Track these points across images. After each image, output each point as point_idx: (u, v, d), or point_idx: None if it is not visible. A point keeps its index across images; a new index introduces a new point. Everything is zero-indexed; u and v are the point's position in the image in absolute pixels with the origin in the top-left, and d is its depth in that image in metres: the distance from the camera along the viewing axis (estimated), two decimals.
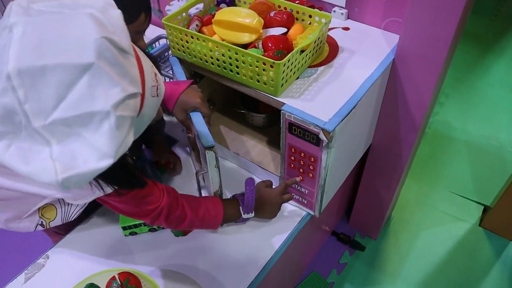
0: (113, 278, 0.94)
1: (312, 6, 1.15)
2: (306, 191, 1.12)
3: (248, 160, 1.25)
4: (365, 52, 1.15)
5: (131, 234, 1.14)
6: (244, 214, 1.09)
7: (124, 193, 0.81)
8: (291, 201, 1.19)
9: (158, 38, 1.68)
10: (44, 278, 1.07)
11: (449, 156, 2.20)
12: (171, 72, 1.48)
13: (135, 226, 1.12)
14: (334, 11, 1.28)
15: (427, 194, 2.03)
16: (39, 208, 0.98)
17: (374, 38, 1.21)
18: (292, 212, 1.19)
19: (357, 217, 1.85)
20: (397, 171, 1.48)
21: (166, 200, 0.93)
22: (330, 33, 1.22)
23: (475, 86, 2.60)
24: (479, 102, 2.50)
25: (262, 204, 1.11)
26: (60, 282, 1.05)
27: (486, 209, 1.95)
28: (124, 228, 1.12)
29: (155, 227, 1.14)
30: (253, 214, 1.10)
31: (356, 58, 1.13)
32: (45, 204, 0.97)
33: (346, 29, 1.25)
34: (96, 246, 1.13)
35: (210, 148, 0.98)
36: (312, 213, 1.16)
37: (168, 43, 1.67)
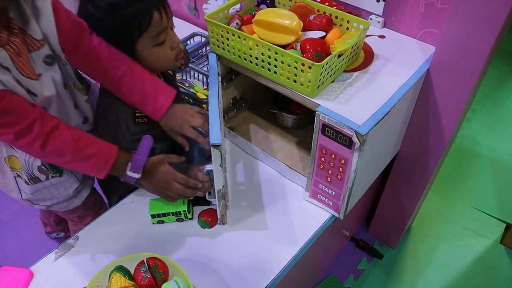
0: (142, 262, 0.97)
1: (349, 13, 1.16)
2: (333, 192, 1.13)
3: (276, 159, 1.27)
4: (400, 61, 1.16)
5: (158, 222, 1.18)
6: (129, 170, 1.01)
7: None
8: (316, 202, 1.20)
9: (193, 35, 1.72)
10: (73, 258, 1.11)
11: (473, 171, 2.18)
12: (205, 69, 1.52)
13: (164, 215, 1.15)
14: (371, 19, 1.30)
15: (449, 207, 2.02)
16: (5, 159, 1.06)
17: (409, 48, 1.22)
18: (316, 214, 1.20)
19: (377, 225, 1.85)
20: (423, 182, 1.48)
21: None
22: (366, 40, 1.23)
23: (503, 103, 2.57)
24: (507, 119, 2.47)
25: (153, 171, 1.05)
26: (88, 263, 1.08)
27: (508, 227, 1.93)
28: (153, 216, 1.15)
29: (181, 217, 1.16)
30: (139, 175, 1.02)
31: (391, 66, 1.14)
32: (8, 155, 1.05)
33: (382, 37, 1.26)
34: (124, 231, 1.16)
35: (216, 146, 0.94)
36: (336, 215, 1.18)
37: (202, 40, 1.71)
